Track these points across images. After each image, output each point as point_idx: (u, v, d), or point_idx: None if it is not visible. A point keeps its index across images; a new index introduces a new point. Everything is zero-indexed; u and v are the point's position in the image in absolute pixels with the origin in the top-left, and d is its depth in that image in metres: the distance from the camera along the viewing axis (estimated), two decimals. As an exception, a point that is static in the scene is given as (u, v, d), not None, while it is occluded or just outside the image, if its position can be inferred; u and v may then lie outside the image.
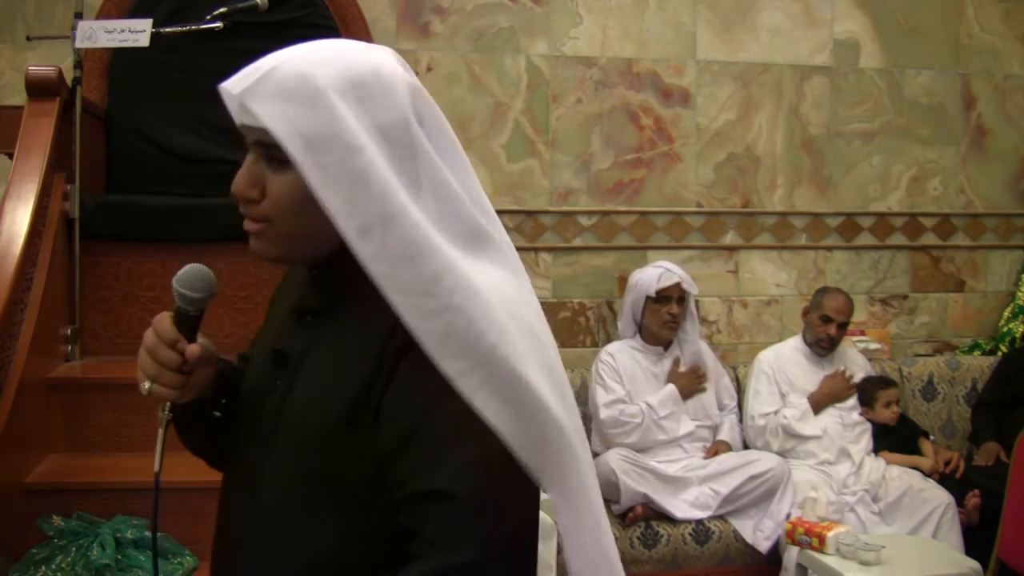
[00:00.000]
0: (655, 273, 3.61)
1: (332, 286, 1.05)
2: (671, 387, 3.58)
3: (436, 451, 0.91)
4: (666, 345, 3.68)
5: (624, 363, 3.62)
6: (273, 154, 0.98)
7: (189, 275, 1.06)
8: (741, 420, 3.78)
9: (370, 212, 0.92)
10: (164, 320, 1.06)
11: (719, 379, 3.77)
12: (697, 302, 4.12)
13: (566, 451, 0.95)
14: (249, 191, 1.01)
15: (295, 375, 1.04)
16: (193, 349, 1.05)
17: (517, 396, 0.91)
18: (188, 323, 1.06)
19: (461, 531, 0.89)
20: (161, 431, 1.09)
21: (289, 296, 1.15)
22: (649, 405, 3.52)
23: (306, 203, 0.96)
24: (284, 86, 0.97)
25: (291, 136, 0.94)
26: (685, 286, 3.59)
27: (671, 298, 3.57)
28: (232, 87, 1.00)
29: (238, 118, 1.01)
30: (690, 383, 3.62)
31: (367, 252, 0.92)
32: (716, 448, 3.62)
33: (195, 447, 1.20)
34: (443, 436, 0.92)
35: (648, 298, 3.60)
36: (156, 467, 1.10)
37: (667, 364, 3.66)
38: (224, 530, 1.11)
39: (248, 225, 1.03)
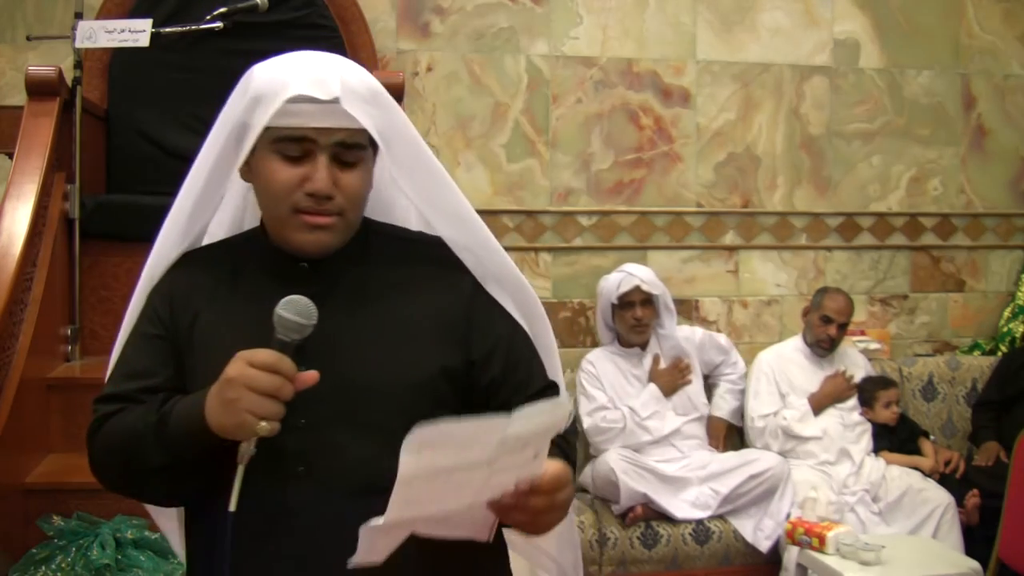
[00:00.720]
0: (616, 279, 3.60)
1: (330, 272, 1.17)
2: (651, 387, 3.57)
3: (532, 356, 1.25)
4: (643, 345, 3.67)
5: (605, 369, 3.61)
6: (344, 155, 1.13)
7: (299, 305, 1.05)
8: (742, 420, 3.77)
9: (446, 198, 1.22)
10: (273, 356, 1.02)
11: (703, 354, 3.75)
12: (697, 302, 4.13)
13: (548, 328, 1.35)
14: (332, 189, 1.12)
15: (331, 357, 1.09)
16: (313, 375, 1.04)
17: (533, 311, 1.30)
18: (292, 353, 1.04)
19: None
20: (243, 468, 1.04)
21: (219, 296, 1.19)
22: (632, 408, 3.52)
23: (365, 197, 1.18)
24: (361, 91, 1.13)
25: (378, 134, 1.13)
26: (646, 288, 3.55)
27: (634, 303, 3.55)
28: (317, 93, 1.10)
29: (318, 121, 1.10)
30: (672, 379, 3.61)
31: (446, 227, 1.22)
32: (712, 429, 3.63)
33: (176, 478, 1.12)
34: (529, 345, 1.25)
35: (613, 305, 3.60)
36: (232, 506, 1.04)
37: (648, 363, 3.65)
38: (276, 528, 1.09)
39: (322, 220, 1.13)
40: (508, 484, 0.99)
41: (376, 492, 0.99)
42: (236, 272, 1.19)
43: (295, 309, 1.05)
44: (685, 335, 3.74)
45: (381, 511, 0.97)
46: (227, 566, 1.06)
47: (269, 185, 1.13)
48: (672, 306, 3.70)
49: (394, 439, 0.94)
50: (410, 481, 0.93)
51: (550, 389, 1.23)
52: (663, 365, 3.64)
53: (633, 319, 3.56)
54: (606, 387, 3.58)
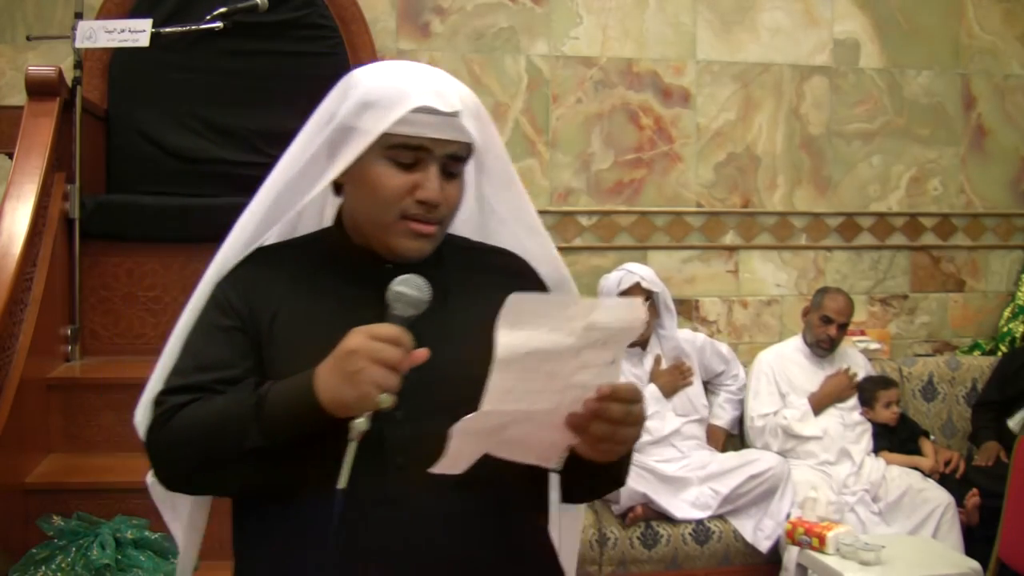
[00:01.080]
0: (616, 277, 3.60)
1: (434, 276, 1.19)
2: (652, 387, 3.57)
3: None
4: (644, 345, 3.66)
5: None
6: (451, 167, 1.18)
7: (416, 281, 1.10)
8: (742, 425, 3.77)
9: (529, 211, 1.32)
10: (396, 329, 1.05)
11: (704, 359, 3.75)
12: (697, 302, 4.13)
13: None
14: (444, 199, 1.17)
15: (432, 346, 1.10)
16: (424, 352, 1.06)
17: None
18: (408, 327, 1.07)
19: None
20: (355, 445, 1.05)
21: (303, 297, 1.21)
22: None
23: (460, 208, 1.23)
24: (472, 107, 1.19)
25: (481, 148, 1.21)
26: (646, 285, 3.54)
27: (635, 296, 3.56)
28: (440, 105, 1.14)
29: (437, 132, 1.14)
30: (672, 380, 3.60)
31: (528, 239, 1.32)
32: (710, 437, 3.63)
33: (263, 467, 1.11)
34: None
35: None
36: (343, 483, 1.05)
37: (648, 364, 3.64)
38: (376, 519, 1.09)
39: (427, 229, 1.17)
40: (589, 389, 1.04)
41: (471, 485, 1.08)
42: (316, 270, 1.21)
43: (414, 285, 1.09)
44: (687, 337, 3.74)
45: (477, 505, 1.11)
46: (333, 547, 1.06)
47: (378, 190, 1.15)
48: (672, 306, 3.69)
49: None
50: (508, 363, 0.98)
51: None
52: (664, 366, 3.63)
53: None
54: None
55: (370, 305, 1.12)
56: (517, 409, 1.03)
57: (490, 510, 1.15)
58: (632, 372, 3.63)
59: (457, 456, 1.03)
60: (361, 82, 1.17)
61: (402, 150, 1.14)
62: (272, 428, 1.07)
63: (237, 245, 1.24)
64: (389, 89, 1.14)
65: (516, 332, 0.98)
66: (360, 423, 1.04)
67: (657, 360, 3.64)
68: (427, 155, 1.15)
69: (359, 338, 1.04)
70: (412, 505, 1.10)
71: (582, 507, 1.41)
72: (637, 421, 1.07)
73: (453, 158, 1.17)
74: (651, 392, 3.55)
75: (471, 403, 1.04)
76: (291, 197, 1.24)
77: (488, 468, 1.08)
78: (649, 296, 3.56)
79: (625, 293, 3.54)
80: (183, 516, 1.35)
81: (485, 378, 1.02)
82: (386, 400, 1.03)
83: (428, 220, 1.16)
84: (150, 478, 1.25)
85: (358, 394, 1.03)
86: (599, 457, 1.09)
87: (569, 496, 1.25)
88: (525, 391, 1.01)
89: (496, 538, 1.16)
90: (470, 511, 1.13)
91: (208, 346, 1.16)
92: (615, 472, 1.19)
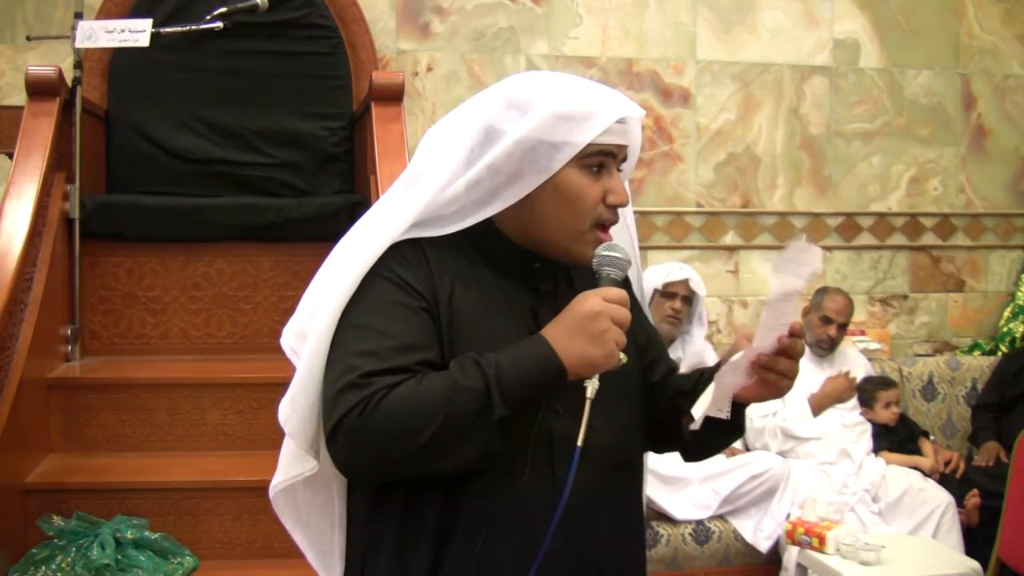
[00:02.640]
0: (666, 268, 3.64)
1: (552, 272, 1.25)
2: None
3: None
4: (669, 343, 3.67)
5: None
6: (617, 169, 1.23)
7: (619, 247, 1.19)
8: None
9: (628, 210, 1.33)
10: (622, 292, 1.14)
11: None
12: (697, 302, 4.12)
13: None
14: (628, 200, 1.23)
15: None
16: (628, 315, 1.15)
17: None
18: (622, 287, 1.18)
19: None
20: (591, 402, 1.12)
21: (479, 292, 1.20)
22: None
23: None
24: None
25: (634, 151, 1.26)
26: (693, 285, 3.59)
27: (677, 295, 3.57)
28: (632, 113, 1.21)
29: (622, 139, 1.21)
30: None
31: (626, 237, 1.31)
32: (729, 452, 3.63)
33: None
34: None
35: (655, 291, 3.61)
36: (580, 441, 1.10)
37: None
38: (553, 504, 1.10)
39: (607, 236, 1.21)
40: (781, 329, 1.18)
41: (621, 470, 1.22)
42: (472, 263, 1.22)
43: (616, 248, 1.18)
44: (708, 352, 3.75)
45: (626, 485, 1.24)
46: (559, 515, 1.09)
47: (579, 200, 1.18)
48: (705, 318, 3.73)
49: (628, 422, 1.23)
50: (773, 304, 1.16)
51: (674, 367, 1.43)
52: (683, 370, 3.63)
53: (672, 309, 3.58)
54: None
55: (525, 295, 1.22)
56: (763, 348, 1.18)
57: (635, 488, 1.29)
58: None
59: (722, 398, 1.19)
60: (539, 96, 1.19)
61: (595, 157, 1.18)
62: (513, 398, 1.08)
63: (386, 237, 1.18)
64: (584, 100, 1.19)
65: (779, 275, 1.16)
66: (594, 381, 1.11)
67: (677, 362, 3.63)
68: (612, 160, 1.20)
69: (596, 301, 1.11)
70: (580, 491, 1.12)
71: None
72: (794, 374, 1.22)
73: (621, 160, 1.23)
74: None
75: (615, 397, 1.17)
76: (461, 205, 1.20)
77: (631, 450, 1.25)
78: (689, 298, 3.59)
79: (672, 285, 3.57)
80: (321, 537, 1.31)
81: (623, 373, 1.15)
82: (624, 357, 1.12)
83: (612, 224, 1.21)
84: (275, 489, 1.26)
85: (605, 352, 1.10)
86: (774, 395, 1.23)
87: (696, 452, 1.38)
88: (769, 329, 1.17)
89: (638, 513, 1.30)
90: (624, 491, 1.25)
91: (401, 326, 1.13)
92: (743, 421, 1.31)
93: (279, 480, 1.27)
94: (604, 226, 1.20)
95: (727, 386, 1.22)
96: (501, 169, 1.17)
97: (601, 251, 1.18)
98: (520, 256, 1.23)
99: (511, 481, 1.13)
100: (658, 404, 1.35)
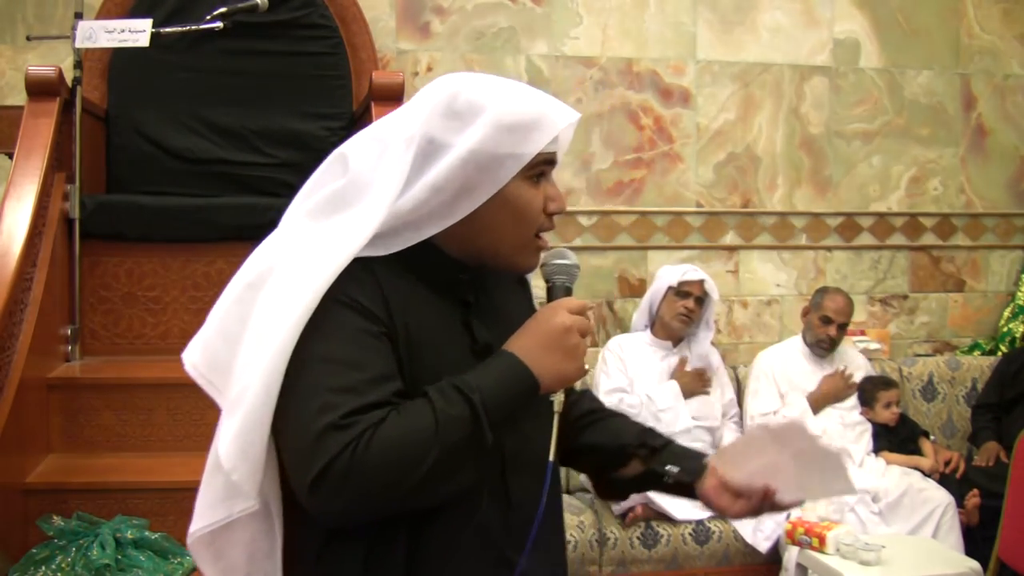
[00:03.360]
0: (683, 267, 3.67)
1: (476, 282, 1.21)
2: (673, 383, 3.58)
3: None
4: (675, 342, 3.68)
5: (631, 353, 3.63)
6: None
7: (564, 252, 1.20)
8: (742, 427, 3.78)
9: None
10: (582, 302, 1.16)
11: (724, 388, 3.76)
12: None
13: None
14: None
15: None
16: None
17: None
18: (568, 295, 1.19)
19: None
20: (560, 416, 1.14)
21: (421, 311, 1.14)
22: (649, 397, 3.52)
23: None
24: None
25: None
26: (707, 287, 3.61)
27: (691, 294, 3.59)
28: (573, 119, 1.17)
29: (555, 146, 1.17)
30: (693, 383, 3.62)
31: None
32: None
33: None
34: None
35: (669, 288, 3.62)
36: (552, 456, 1.13)
37: (673, 361, 3.65)
38: (508, 518, 1.14)
39: (546, 242, 1.20)
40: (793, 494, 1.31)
41: (555, 483, 1.20)
42: (411, 278, 1.15)
43: (566, 256, 1.20)
44: (715, 356, 3.77)
45: (559, 493, 1.27)
46: (537, 522, 1.11)
47: (526, 210, 1.16)
48: (713, 324, 3.73)
49: (544, 422, 1.14)
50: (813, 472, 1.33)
51: None
52: (688, 369, 3.65)
53: (684, 308, 3.58)
54: (628, 370, 3.59)
55: (456, 308, 1.18)
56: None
57: (559, 501, 1.29)
58: (656, 364, 3.63)
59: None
60: (483, 106, 1.12)
61: (539, 167, 1.16)
62: (498, 422, 1.06)
63: (341, 258, 1.08)
64: (529, 109, 1.14)
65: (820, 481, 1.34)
66: (560, 395, 1.13)
67: (683, 361, 3.65)
68: (551, 167, 1.19)
69: (565, 315, 1.12)
70: (530, 504, 1.14)
71: None
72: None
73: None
74: (672, 387, 3.56)
75: (545, 403, 1.13)
76: (402, 223, 1.13)
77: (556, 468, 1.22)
78: (702, 300, 3.61)
79: (687, 283, 3.59)
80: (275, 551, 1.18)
81: None
82: (588, 367, 1.14)
83: (549, 231, 1.20)
84: (201, 533, 1.14)
85: (578, 366, 1.11)
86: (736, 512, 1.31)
87: (615, 493, 1.42)
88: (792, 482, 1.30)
89: (562, 516, 1.30)
90: (558, 497, 1.27)
91: (371, 356, 1.06)
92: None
93: (206, 523, 1.13)
94: (542, 233, 1.19)
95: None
96: (451, 183, 1.11)
97: (551, 260, 1.18)
98: (450, 268, 1.18)
99: (469, 501, 1.10)
100: (569, 430, 1.32)
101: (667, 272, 3.68)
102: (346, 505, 1.00)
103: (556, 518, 1.26)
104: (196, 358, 1.15)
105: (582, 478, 3.56)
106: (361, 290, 1.09)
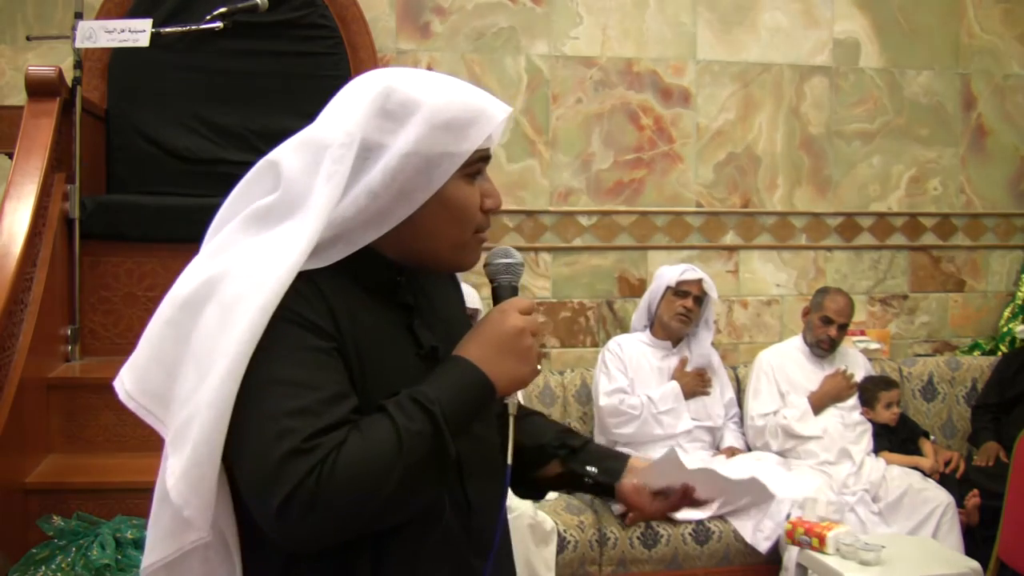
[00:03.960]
0: (682, 267, 3.66)
1: (413, 284, 1.19)
2: (674, 384, 3.58)
3: None
4: (675, 342, 3.68)
5: (631, 354, 3.63)
6: None
7: (508, 250, 1.18)
8: (742, 426, 3.78)
9: None
10: (530, 301, 1.14)
11: (724, 388, 3.77)
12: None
13: None
14: None
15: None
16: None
17: None
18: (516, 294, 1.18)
19: None
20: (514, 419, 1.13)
21: (366, 319, 1.10)
22: (650, 398, 3.53)
23: None
24: None
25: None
26: (706, 287, 3.60)
27: (689, 293, 3.59)
28: (507, 112, 1.13)
29: (489, 142, 1.13)
30: (694, 384, 3.62)
31: None
32: (729, 452, 3.63)
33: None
34: None
35: (668, 288, 3.62)
36: (510, 460, 1.13)
37: (673, 361, 3.66)
38: (468, 523, 1.14)
39: (486, 238, 1.16)
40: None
41: (499, 474, 1.14)
42: (352, 286, 1.11)
43: (511, 254, 1.17)
44: (715, 357, 3.77)
45: (495, 492, 1.18)
46: (498, 538, 1.14)
47: (464, 209, 1.11)
48: (712, 323, 3.74)
49: (491, 423, 1.15)
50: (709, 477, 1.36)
51: None
52: (689, 369, 3.65)
53: (683, 307, 3.58)
54: (628, 371, 3.59)
55: (397, 313, 1.14)
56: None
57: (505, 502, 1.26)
58: (656, 364, 3.64)
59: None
60: (416, 104, 1.07)
61: (475, 164, 1.12)
62: (458, 432, 1.04)
63: (285, 273, 1.03)
64: (464, 106, 1.09)
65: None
66: (515, 397, 1.12)
67: (683, 361, 3.65)
68: (485, 164, 1.14)
69: (517, 317, 1.10)
70: (486, 507, 1.15)
71: None
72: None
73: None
74: (672, 388, 3.57)
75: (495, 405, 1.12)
76: (338, 233, 1.09)
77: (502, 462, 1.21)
78: (700, 299, 3.61)
79: (686, 283, 3.59)
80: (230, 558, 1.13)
81: None
82: (540, 367, 1.13)
83: (486, 229, 1.16)
84: (153, 568, 1.09)
85: (532, 368, 1.10)
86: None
87: (532, 492, 1.39)
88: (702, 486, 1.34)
89: (507, 524, 1.27)
90: (504, 498, 1.23)
91: (324, 374, 1.02)
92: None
93: (159, 557, 1.09)
94: (481, 231, 1.15)
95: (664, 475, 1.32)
96: (387, 188, 1.06)
97: (496, 259, 1.17)
98: (388, 271, 1.14)
99: (432, 511, 1.09)
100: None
101: (665, 272, 3.68)
102: (313, 530, 0.97)
103: (505, 520, 1.25)
104: (130, 386, 1.11)
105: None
106: (307, 305, 1.04)
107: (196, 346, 1.03)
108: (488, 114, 1.10)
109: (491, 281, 1.17)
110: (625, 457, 1.34)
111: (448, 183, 1.09)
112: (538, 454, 1.33)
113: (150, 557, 1.10)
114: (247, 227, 1.09)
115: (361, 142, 1.06)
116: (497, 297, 1.16)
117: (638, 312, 3.80)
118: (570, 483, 1.34)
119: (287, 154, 1.10)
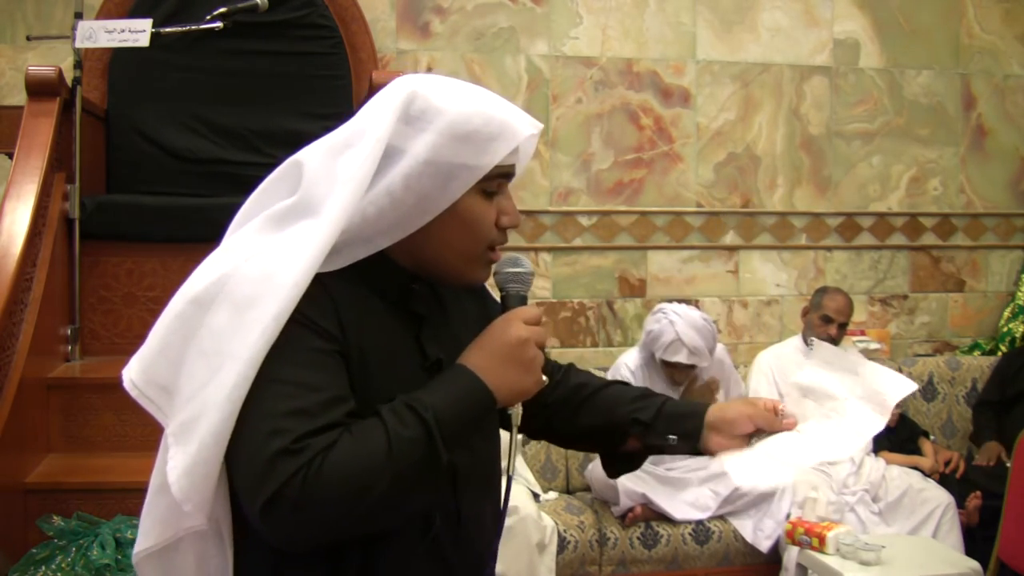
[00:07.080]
0: (667, 339, 3.37)
1: (432, 293, 1.19)
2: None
3: None
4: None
5: (640, 373, 3.54)
6: None
7: (519, 260, 1.17)
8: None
9: None
10: (537, 311, 1.13)
11: (731, 386, 3.72)
12: (697, 302, 4.12)
13: None
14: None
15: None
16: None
17: None
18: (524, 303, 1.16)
19: None
20: (517, 430, 1.14)
21: (371, 325, 1.10)
22: None
23: None
24: None
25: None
26: (692, 360, 3.37)
27: (678, 364, 3.41)
28: (535, 130, 1.13)
29: (515, 159, 1.13)
30: (700, 395, 3.57)
31: None
32: None
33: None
34: None
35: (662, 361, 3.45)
36: (511, 471, 1.15)
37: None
38: (461, 533, 1.14)
39: (498, 256, 1.16)
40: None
41: (494, 487, 1.19)
42: (364, 291, 1.11)
43: (520, 263, 1.16)
44: (728, 363, 3.67)
45: (497, 507, 1.21)
46: (496, 546, 1.17)
47: (477, 224, 1.11)
48: (715, 351, 3.51)
49: (492, 434, 1.17)
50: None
51: None
52: (700, 383, 3.59)
53: (670, 375, 3.46)
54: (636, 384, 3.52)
55: (407, 322, 1.14)
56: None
57: (499, 508, 1.24)
58: (663, 383, 3.51)
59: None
60: (439, 113, 1.07)
61: (495, 180, 1.10)
62: (453, 441, 1.02)
63: (303, 276, 1.03)
64: (489, 119, 1.07)
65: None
66: (518, 408, 1.11)
67: (692, 379, 3.54)
68: (507, 181, 1.13)
69: (521, 327, 1.09)
70: (478, 519, 1.16)
71: None
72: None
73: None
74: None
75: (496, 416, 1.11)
76: (354, 237, 1.10)
77: (498, 463, 1.22)
78: (694, 366, 3.42)
79: (667, 362, 3.40)
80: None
81: None
82: (546, 379, 1.11)
83: (501, 245, 1.15)
84: (147, 552, 1.10)
85: (535, 379, 1.09)
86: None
87: (622, 468, 1.39)
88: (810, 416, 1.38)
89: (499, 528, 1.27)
90: (498, 506, 1.23)
91: (324, 376, 1.03)
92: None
93: (153, 543, 1.10)
94: (494, 247, 1.14)
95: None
96: (406, 192, 1.06)
97: (505, 268, 1.15)
98: (402, 279, 1.14)
99: (422, 519, 1.09)
100: (561, 414, 1.36)
101: (653, 337, 3.42)
102: (297, 530, 0.97)
103: (499, 533, 1.24)
104: (136, 376, 1.11)
105: (586, 475, 3.56)
106: (314, 307, 1.04)
107: (206, 343, 1.03)
108: (512, 130, 1.08)
109: (500, 290, 1.16)
110: (701, 413, 1.31)
111: (465, 196, 1.08)
112: (612, 434, 1.33)
113: (143, 543, 1.10)
114: (265, 227, 1.10)
115: (385, 146, 1.06)
116: (505, 306, 1.15)
117: (638, 353, 3.58)
118: (657, 452, 1.34)
119: (312, 155, 1.11)
